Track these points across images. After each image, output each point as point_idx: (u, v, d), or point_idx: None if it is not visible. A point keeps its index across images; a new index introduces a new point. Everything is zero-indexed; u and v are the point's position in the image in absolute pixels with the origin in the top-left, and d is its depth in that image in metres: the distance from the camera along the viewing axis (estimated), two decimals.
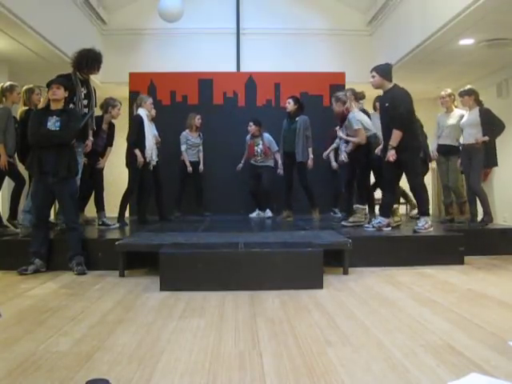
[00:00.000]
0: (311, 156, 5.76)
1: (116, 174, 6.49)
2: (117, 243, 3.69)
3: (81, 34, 6.75)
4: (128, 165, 5.23)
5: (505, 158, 5.49)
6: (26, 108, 4.80)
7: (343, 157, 5.13)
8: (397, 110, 4.21)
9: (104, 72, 7.68)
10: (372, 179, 5.28)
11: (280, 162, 6.18)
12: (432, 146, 5.47)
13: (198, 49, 7.68)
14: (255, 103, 7.34)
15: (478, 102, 5.03)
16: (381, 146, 4.61)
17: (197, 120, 6.44)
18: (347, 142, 5.05)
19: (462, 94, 5.08)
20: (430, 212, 4.86)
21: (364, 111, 5.20)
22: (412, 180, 4.41)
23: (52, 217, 4.84)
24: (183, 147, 6.34)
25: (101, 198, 5.22)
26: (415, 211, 5.80)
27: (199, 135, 6.53)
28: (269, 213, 6.30)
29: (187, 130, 6.44)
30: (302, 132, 5.70)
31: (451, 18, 5.22)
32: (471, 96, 5.01)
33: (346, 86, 6.79)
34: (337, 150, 5.75)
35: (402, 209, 6.45)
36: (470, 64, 6.63)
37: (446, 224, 5.24)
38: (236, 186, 6.86)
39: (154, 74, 7.30)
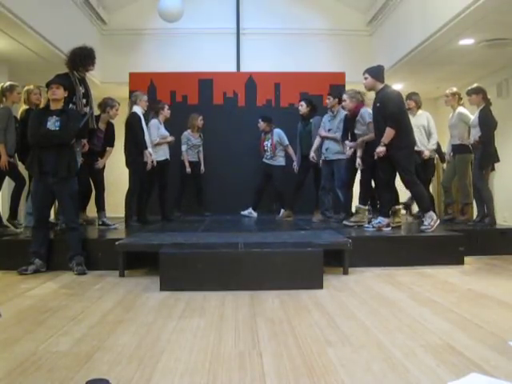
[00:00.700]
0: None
1: (117, 174, 6.49)
2: (117, 243, 3.69)
3: (81, 34, 6.73)
4: (128, 165, 5.21)
5: (505, 158, 5.48)
6: (27, 108, 4.81)
7: (358, 163, 5.05)
8: (388, 108, 4.29)
9: (104, 72, 7.75)
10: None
11: (294, 156, 6.19)
12: (447, 148, 5.45)
13: (198, 49, 7.69)
14: (255, 103, 7.35)
15: (487, 101, 4.98)
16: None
17: (199, 121, 6.45)
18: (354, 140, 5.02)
19: (469, 93, 5.06)
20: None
21: None
22: (405, 178, 4.44)
23: (52, 217, 4.84)
24: (184, 147, 6.35)
25: (101, 198, 5.22)
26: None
27: (200, 136, 6.53)
28: (281, 213, 6.18)
29: (189, 131, 6.43)
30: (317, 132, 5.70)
31: (451, 18, 5.22)
32: (479, 94, 4.97)
33: (346, 86, 6.80)
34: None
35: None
36: (470, 64, 6.63)
37: (448, 224, 5.21)
38: (236, 186, 6.86)
39: (154, 74, 7.30)
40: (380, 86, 4.48)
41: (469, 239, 4.20)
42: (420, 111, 5.50)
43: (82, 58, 4.43)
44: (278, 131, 6.27)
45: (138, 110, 5.21)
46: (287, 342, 2.11)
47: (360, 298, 2.94)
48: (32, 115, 4.04)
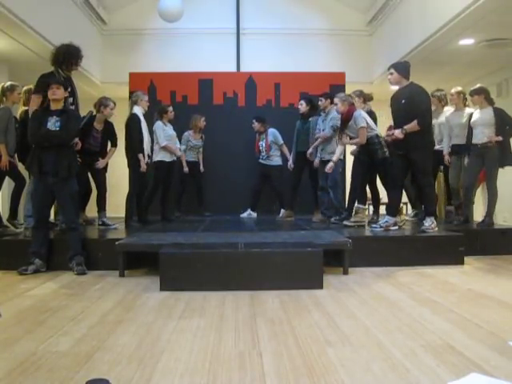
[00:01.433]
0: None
1: (118, 175, 6.50)
2: (117, 243, 3.68)
3: (81, 34, 6.74)
4: (129, 166, 5.21)
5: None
6: (26, 108, 4.79)
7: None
8: (419, 107, 4.26)
9: (104, 72, 7.77)
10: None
11: (288, 155, 6.21)
12: (445, 148, 5.29)
13: (198, 49, 7.70)
14: (255, 103, 7.34)
15: (489, 101, 4.96)
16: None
17: (202, 122, 6.43)
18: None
19: (471, 93, 5.02)
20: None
21: (371, 112, 5.25)
22: (422, 179, 4.43)
23: (52, 217, 4.84)
24: (182, 147, 6.33)
25: (103, 198, 5.21)
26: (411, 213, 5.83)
27: (201, 137, 6.52)
28: (282, 213, 6.18)
29: (190, 131, 6.41)
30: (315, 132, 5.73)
31: (451, 18, 5.22)
32: (481, 95, 4.94)
33: (346, 86, 6.81)
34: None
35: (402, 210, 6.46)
36: (470, 64, 6.63)
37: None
38: (236, 186, 6.86)
39: (154, 74, 7.30)
40: (406, 82, 4.42)
41: (469, 239, 4.20)
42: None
43: (66, 57, 4.30)
44: (272, 131, 6.26)
45: (138, 110, 5.18)
46: (287, 342, 2.11)
47: (360, 298, 2.94)
48: (32, 115, 4.03)
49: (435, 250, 4.05)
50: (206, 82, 7.33)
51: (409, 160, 4.37)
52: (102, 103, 5.10)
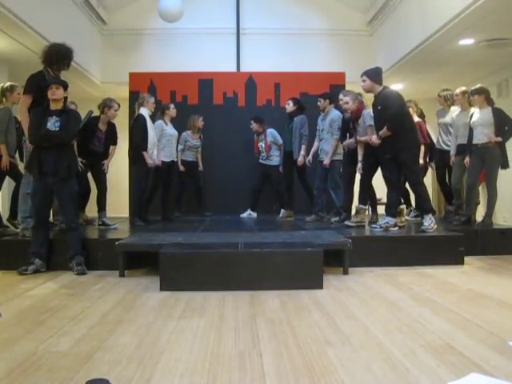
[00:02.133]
0: (302, 153, 5.82)
1: (119, 175, 6.50)
2: (117, 243, 3.69)
3: (81, 34, 6.75)
4: (135, 163, 5.23)
5: None
6: None
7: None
8: (389, 111, 4.30)
9: (104, 72, 7.77)
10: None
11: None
12: (452, 150, 5.28)
13: (198, 49, 7.69)
14: (255, 103, 7.34)
15: (489, 101, 4.96)
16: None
17: (200, 122, 6.43)
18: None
19: (472, 93, 5.02)
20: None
21: None
22: (411, 178, 4.48)
23: (51, 217, 4.84)
24: (180, 147, 6.31)
25: (103, 197, 5.22)
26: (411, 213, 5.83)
27: (200, 137, 6.52)
28: (282, 213, 6.16)
29: (189, 132, 6.41)
30: (298, 131, 5.86)
31: (451, 18, 5.22)
32: (481, 95, 4.94)
33: (346, 86, 6.80)
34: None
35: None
36: (470, 64, 6.63)
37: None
38: (236, 186, 6.86)
39: (154, 74, 7.30)
40: (378, 88, 4.48)
41: (469, 239, 4.20)
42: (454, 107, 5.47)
43: (59, 58, 4.22)
44: (271, 131, 6.27)
45: (144, 111, 5.23)
46: (287, 342, 2.11)
47: (360, 298, 2.94)
48: (32, 115, 4.02)
49: (435, 249, 4.05)
50: (205, 82, 7.33)
51: (397, 162, 4.40)
52: (106, 104, 5.12)
